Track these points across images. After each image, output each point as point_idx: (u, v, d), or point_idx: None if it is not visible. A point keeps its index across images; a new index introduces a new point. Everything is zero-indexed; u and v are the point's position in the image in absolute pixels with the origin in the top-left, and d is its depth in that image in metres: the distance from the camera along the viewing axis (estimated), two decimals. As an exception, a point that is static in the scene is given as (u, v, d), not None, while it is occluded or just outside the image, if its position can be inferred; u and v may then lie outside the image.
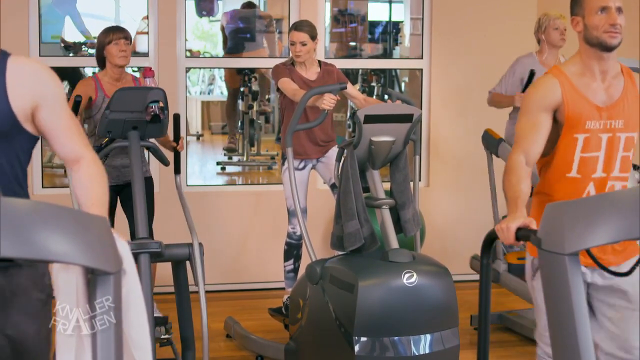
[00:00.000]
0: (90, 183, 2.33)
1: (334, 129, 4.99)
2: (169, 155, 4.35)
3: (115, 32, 4.52)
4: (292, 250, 4.87)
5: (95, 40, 4.75)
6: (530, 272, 3.03)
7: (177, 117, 4.41)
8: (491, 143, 5.01)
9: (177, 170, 4.42)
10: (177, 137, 4.42)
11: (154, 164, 5.57)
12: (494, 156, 5.04)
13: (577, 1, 2.94)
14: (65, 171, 4.79)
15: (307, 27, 4.72)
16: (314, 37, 4.72)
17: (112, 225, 4.30)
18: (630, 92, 2.95)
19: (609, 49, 2.87)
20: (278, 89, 4.74)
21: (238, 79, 8.98)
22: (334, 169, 4.19)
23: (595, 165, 2.92)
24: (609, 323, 2.95)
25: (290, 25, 4.87)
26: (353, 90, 4.78)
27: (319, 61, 4.85)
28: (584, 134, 2.90)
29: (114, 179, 4.52)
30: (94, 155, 2.38)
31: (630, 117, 2.93)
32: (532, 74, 5.04)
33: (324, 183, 4.99)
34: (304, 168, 4.84)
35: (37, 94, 2.30)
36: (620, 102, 2.92)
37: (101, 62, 4.58)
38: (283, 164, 4.80)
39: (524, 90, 5.08)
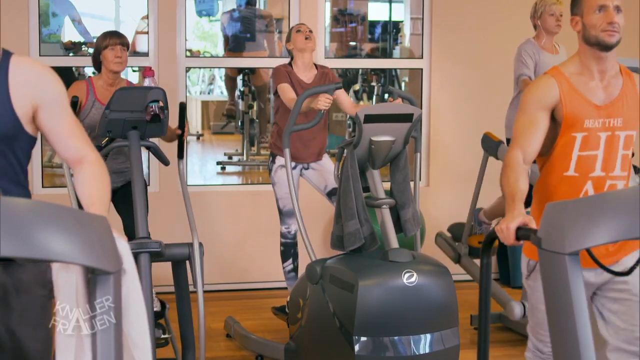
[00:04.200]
0: (91, 182, 2.33)
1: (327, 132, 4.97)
2: (170, 154, 4.34)
3: (113, 37, 4.49)
4: (289, 249, 4.88)
5: (94, 41, 4.74)
6: (525, 272, 3.07)
7: (183, 106, 4.39)
8: (490, 146, 5.00)
9: (181, 155, 4.39)
10: (182, 125, 4.39)
11: (154, 164, 5.57)
12: (490, 158, 5.04)
13: (576, 1, 2.95)
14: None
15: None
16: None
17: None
18: (629, 90, 2.96)
19: (607, 47, 2.87)
20: (275, 92, 4.73)
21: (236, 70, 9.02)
22: (334, 168, 4.19)
23: (594, 164, 2.92)
24: (615, 317, 2.95)
25: (290, 27, 4.90)
26: (343, 95, 4.75)
27: (315, 64, 4.84)
28: (582, 133, 2.90)
29: (112, 182, 4.50)
30: (97, 155, 2.37)
31: (630, 115, 2.94)
32: None
33: (319, 192, 4.95)
34: (294, 168, 4.81)
35: (38, 95, 2.28)
36: (619, 100, 2.93)
37: (97, 65, 4.57)
38: (273, 161, 4.79)
39: None
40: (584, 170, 2.92)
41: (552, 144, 2.95)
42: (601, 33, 2.85)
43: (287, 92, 4.59)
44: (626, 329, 2.93)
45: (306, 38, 4.71)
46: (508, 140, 5.37)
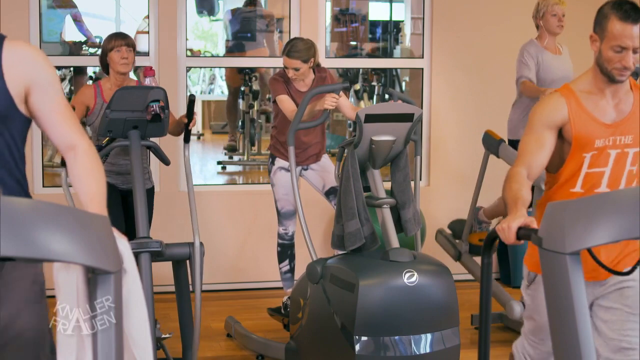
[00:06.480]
0: (86, 176, 2.34)
1: (325, 137, 4.93)
2: (171, 153, 4.34)
3: (117, 39, 4.52)
4: (286, 250, 4.88)
5: (96, 40, 4.75)
6: (525, 282, 3.10)
7: (192, 98, 4.36)
8: (491, 144, 4.99)
9: (187, 139, 4.38)
10: (190, 115, 4.37)
11: (155, 164, 5.57)
12: (491, 156, 5.02)
13: (600, 22, 2.88)
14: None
15: (297, 53, 4.53)
16: (307, 60, 4.55)
17: (124, 229, 4.30)
18: None
19: (615, 82, 2.87)
20: (275, 101, 4.69)
21: (239, 78, 8.99)
22: (335, 168, 4.19)
23: (600, 180, 2.91)
24: (605, 326, 2.95)
25: (285, 45, 4.64)
26: (343, 98, 4.68)
27: (312, 69, 4.70)
28: (592, 152, 2.89)
29: (123, 184, 4.54)
30: (89, 144, 2.39)
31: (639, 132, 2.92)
32: None
33: (317, 191, 4.93)
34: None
35: (30, 76, 2.34)
36: (630, 118, 2.91)
37: (105, 68, 4.60)
38: (273, 163, 4.78)
39: None
40: (589, 187, 2.91)
41: (561, 162, 2.93)
42: (613, 70, 2.84)
43: (287, 104, 4.55)
44: (614, 339, 2.93)
45: (292, 79, 4.61)
46: (511, 142, 5.37)
